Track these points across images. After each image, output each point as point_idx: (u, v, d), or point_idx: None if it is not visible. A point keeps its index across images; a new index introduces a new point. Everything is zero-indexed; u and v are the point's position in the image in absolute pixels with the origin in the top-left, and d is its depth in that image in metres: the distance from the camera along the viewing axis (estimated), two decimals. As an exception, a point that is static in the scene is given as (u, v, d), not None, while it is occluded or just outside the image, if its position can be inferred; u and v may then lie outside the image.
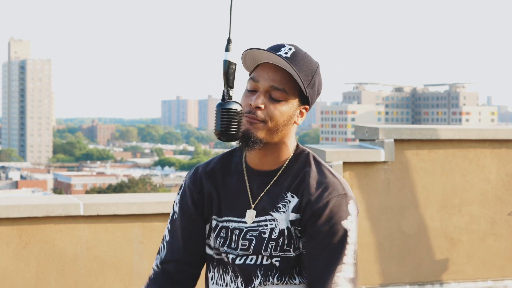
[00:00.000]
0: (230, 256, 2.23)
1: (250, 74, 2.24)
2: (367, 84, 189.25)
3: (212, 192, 2.28)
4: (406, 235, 5.12)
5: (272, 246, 2.19)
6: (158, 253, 2.34)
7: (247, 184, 2.24)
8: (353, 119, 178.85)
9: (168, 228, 2.34)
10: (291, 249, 2.19)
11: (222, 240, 2.24)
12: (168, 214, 4.51)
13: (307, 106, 2.22)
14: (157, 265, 2.32)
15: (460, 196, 5.22)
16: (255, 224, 2.21)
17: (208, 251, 2.30)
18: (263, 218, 2.21)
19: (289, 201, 2.19)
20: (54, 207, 4.30)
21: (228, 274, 2.24)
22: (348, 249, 2.17)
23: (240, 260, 2.21)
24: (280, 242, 2.18)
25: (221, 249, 2.25)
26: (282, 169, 2.23)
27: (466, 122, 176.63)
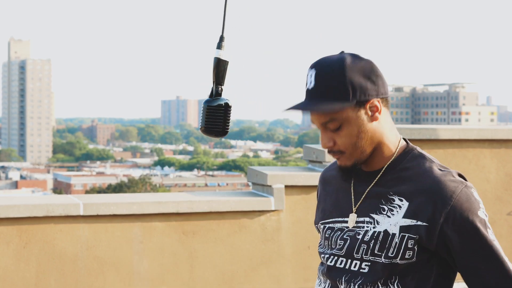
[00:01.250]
0: (325, 257, 2.18)
1: None
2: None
3: (322, 195, 2.27)
4: (406, 235, 5.13)
5: (364, 248, 2.08)
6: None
7: (352, 186, 2.16)
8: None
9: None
10: (383, 255, 2.05)
11: (326, 242, 2.19)
12: (168, 214, 4.52)
13: (370, 99, 2.06)
14: None
15: (460, 196, 5.23)
16: (355, 225, 2.12)
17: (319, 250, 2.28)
18: (361, 219, 2.11)
19: (398, 206, 2.06)
20: (54, 207, 4.30)
21: (324, 275, 2.18)
22: (494, 239, 2.04)
23: (331, 261, 2.15)
24: (372, 244, 2.07)
25: (321, 249, 2.22)
26: (384, 168, 2.11)
27: (465, 122, 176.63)
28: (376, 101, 2.06)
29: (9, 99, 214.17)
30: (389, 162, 2.11)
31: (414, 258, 2.04)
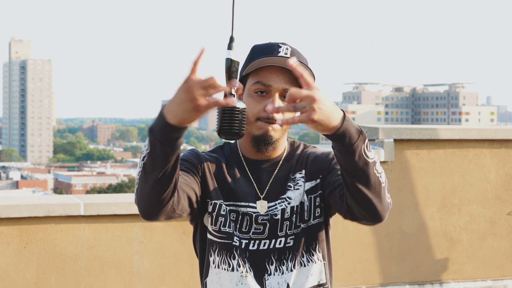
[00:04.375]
0: (243, 242, 2.25)
1: (249, 76, 2.26)
2: (366, 84, 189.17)
3: (212, 176, 2.29)
4: (406, 235, 5.13)
5: (287, 225, 2.25)
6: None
7: (250, 174, 2.29)
8: (353, 119, 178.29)
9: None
10: (306, 222, 2.27)
11: (232, 224, 2.26)
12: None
13: None
14: None
15: (460, 196, 5.23)
16: (267, 210, 2.27)
17: (209, 236, 2.30)
18: (273, 203, 2.27)
19: (300, 179, 2.29)
20: (54, 207, 4.31)
21: (235, 259, 2.26)
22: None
23: (253, 245, 2.26)
24: (294, 219, 2.25)
25: (230, 232, 2.26)
26: (284, 156, 2.32)
27: (465, 122, 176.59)
28: None
29: (10, 99, 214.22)
30: (287, 151, 2.34)
31: (322, 217, 2.29)
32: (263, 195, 2.28)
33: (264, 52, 2.24)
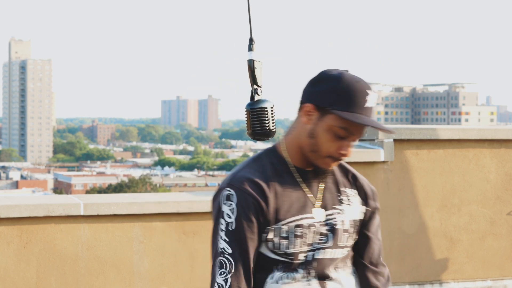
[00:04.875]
0: (309, 254, 2.30)
1: (333, 112, 2.25)
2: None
3: (270, 197, 2.29)
4: (406, 235, 5.13)
5: (346, 236, 2.36)
6: (222, 267, 2.26)
7: (301, 183, 2.33)
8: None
9: (227, 241, 2.26)
10: (355, 236, 2.40)
11: (297, 241, 2.28)
12: (168, 213, 4.52)
13: None
14: None
15: (460, 196, 5.23)
16: (326, 218, 2.33)
17: (271, 255, 2.30)
18: (330, 212, 2.34)
19: (353, 195, 2.40)
20: (54, 207, 4.31)
21: (298, 272, 2.30)
22: None
23: (317, 255, 2.31)
24: (351, 232, 2.37)
25: (295, 252, 2.28)
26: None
27: (465, 122, 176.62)
28: None
29: (9, 99, 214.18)
30: None
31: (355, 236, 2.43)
32: (319, 203, 2.33)
33: (356, 98, 2.26)
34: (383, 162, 5.05)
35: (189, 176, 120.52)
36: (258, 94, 2.15)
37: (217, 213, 2.30)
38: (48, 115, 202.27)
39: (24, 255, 4.29)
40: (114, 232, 4.43)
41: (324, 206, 2.33)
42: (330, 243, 2.32)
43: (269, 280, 2.29)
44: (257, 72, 2.17)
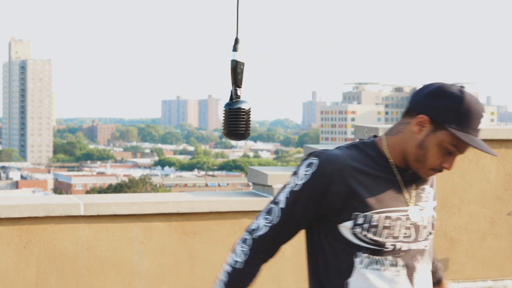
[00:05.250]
0: (398, 245, 2.39)
1: (448, 127, 2.33)
2: (367, 84, 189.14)
3: (354, 184, 2.37)
4: (406, 234, 5.13)
5: (426, 231, 2.46)
6: (269, 214, 2.40)
7: (399, 180, 2.43)
8: (353, 119, 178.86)
9: (287, 198, 2.39)
10: (432, 232, 2.51)
11: (385, 231, 2.37)
12: (168, 214, 4.51)
13: None
14: (255, 245, 2.40)
15: (460, 196, 5.23)
16: (414, 215, 2.44)
17: (354, 240, 2.37)
18: (418, 208, 2.45)
19: (430, 192, 2.51)
20: (54, 207, 4.31)
21: (387, 260, 2.39)
22: None
23: (406, 247, 2.40)
24: (430, 227, 2.48)
25: (382, 240, 2.37)
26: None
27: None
28: None
29: (9, 99, 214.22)
30: None
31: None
32: (413, 200, 2.45)
33: (472, 120, 2.34)
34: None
35: (189, 176, 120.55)
36: (237, 95, 2.14)
37: (294, 171, 2.43)
38: (48, 115, 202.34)
39: (24, 255, 4.29)
40: (114, 232, 4.43)
41: (415, 204, 2.44)
42: (412, 238, 2.41)
43: (358, 265, 2.37)
44: (238, 73, 2.17)
